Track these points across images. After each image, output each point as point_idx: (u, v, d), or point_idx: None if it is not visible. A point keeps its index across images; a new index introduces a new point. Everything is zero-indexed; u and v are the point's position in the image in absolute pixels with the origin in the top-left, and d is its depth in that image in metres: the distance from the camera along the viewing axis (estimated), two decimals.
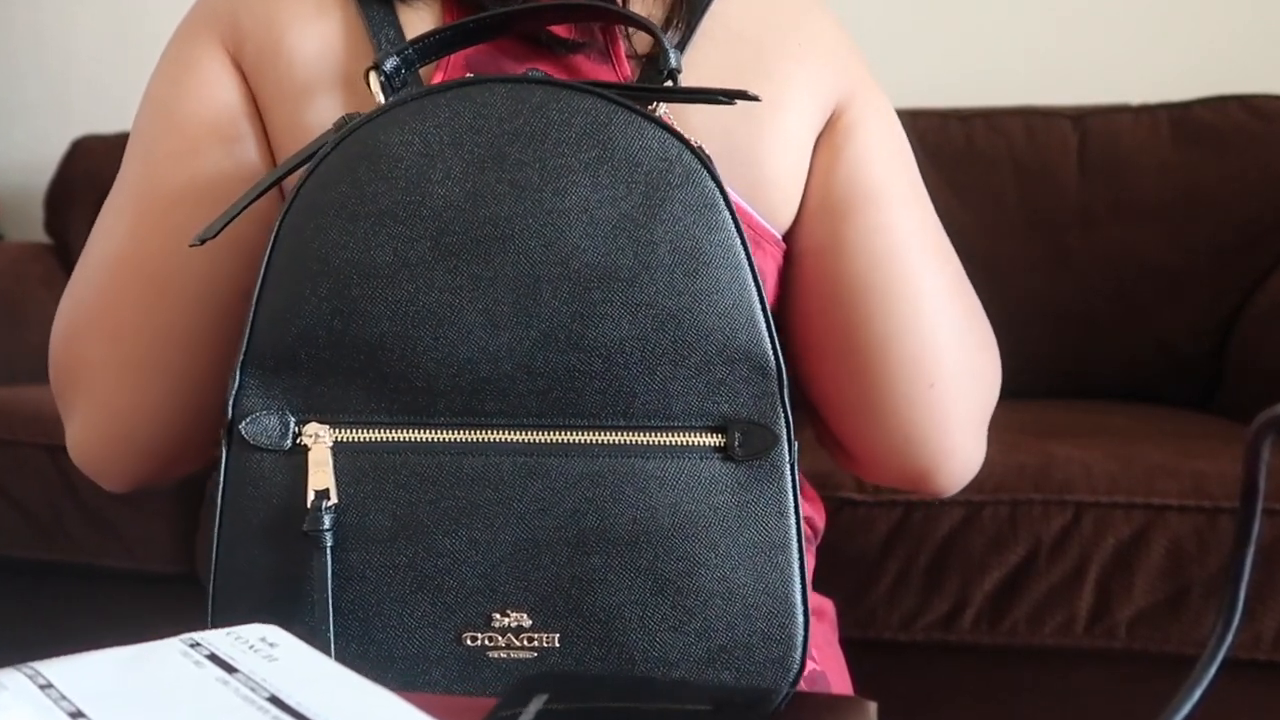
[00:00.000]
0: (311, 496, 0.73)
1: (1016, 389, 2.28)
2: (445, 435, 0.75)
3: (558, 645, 0.75)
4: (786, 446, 0.76)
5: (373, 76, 0.80)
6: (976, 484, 1.61)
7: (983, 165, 2.34)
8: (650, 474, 0.75)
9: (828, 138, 0.90)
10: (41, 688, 0.52)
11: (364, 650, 0.75)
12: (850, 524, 1.64)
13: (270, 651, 0.56)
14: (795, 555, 0.76)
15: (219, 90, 0.87)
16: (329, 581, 0.73)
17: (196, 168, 0.86)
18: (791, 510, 0.76)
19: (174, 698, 0.51)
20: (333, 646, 0.73)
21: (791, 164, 0.88)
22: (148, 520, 1.98)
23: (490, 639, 0.75)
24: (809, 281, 0.91)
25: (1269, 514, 1.49)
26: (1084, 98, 2.50)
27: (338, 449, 0.74)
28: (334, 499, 0.73)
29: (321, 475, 0.74)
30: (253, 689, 0.52)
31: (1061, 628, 1.58)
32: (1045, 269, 2.30)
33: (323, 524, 0.73)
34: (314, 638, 0.73)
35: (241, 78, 0.87)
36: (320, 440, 0.74)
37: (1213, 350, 2.25)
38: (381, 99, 0.80)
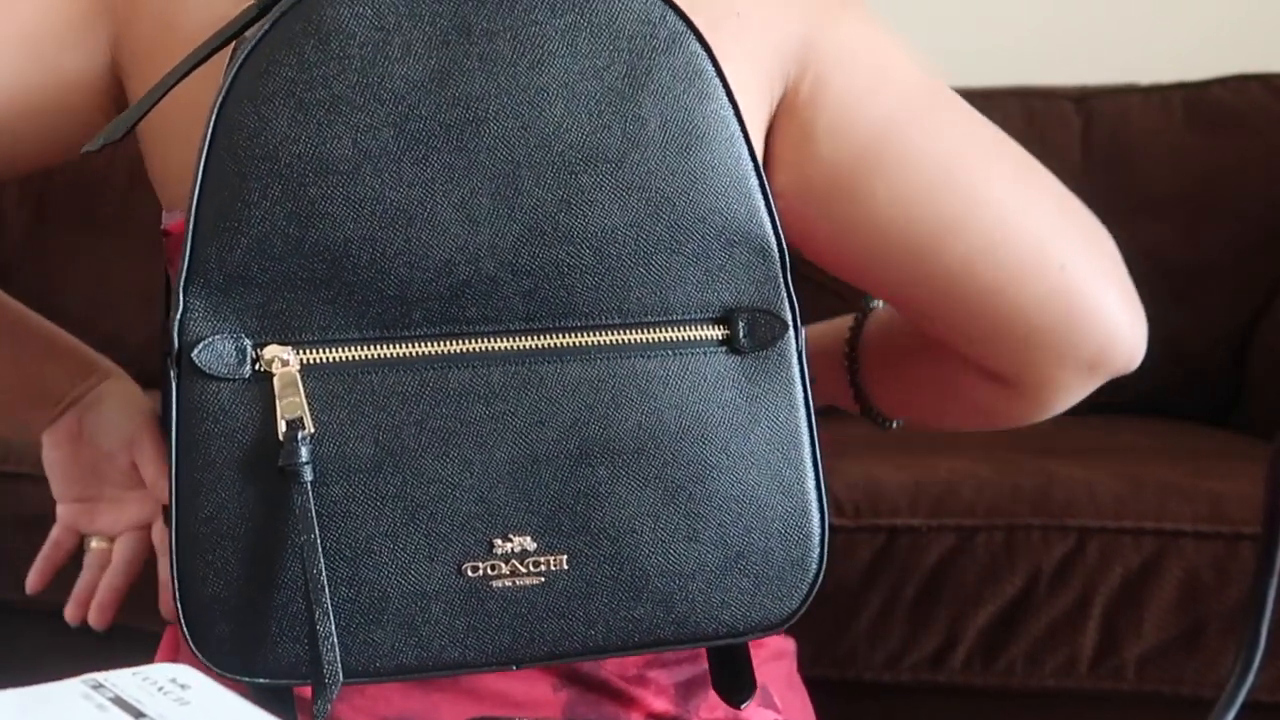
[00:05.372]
0: (283, 427, 0.73)
1: None
2: (425, 348, 0.76)
3: (566, 568, 0.76)
4: (794, 333, 0.79)
5: None
6: (967, 507, 1.62)
7: None
8: (653, 374, 0.77)
9: (788, 117, 0.91)
10: None
11: (354, 593, 0.75)
12: (828, 551, 1.64)
13: (181, 694, 0.56)
14: (808, 448, 0.79)
15: None
16: (314, 520, 0.73)
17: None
18: (802, 401, 0.79)
19: None
20: (326, 592, 0.73)
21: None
22: None
23: (493, 567, 0.76)
24: (866, 262, 0.94)
25: None
26: (1088, 77, 2.52)
27: (305, 372, 0.75)
28: (309, 428, 0.74)
29: (291, 402, 0.74)
30: None
31: (1063, 668, 1.59)
32: None
33: (300, 456, 0.73)
34: (299, 584, 0.74)
35: None
36: (285, 364, 0.74)
37: (1231, 359, 2.26)
38: None
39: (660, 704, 0.89)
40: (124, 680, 0.58)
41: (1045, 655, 1.59)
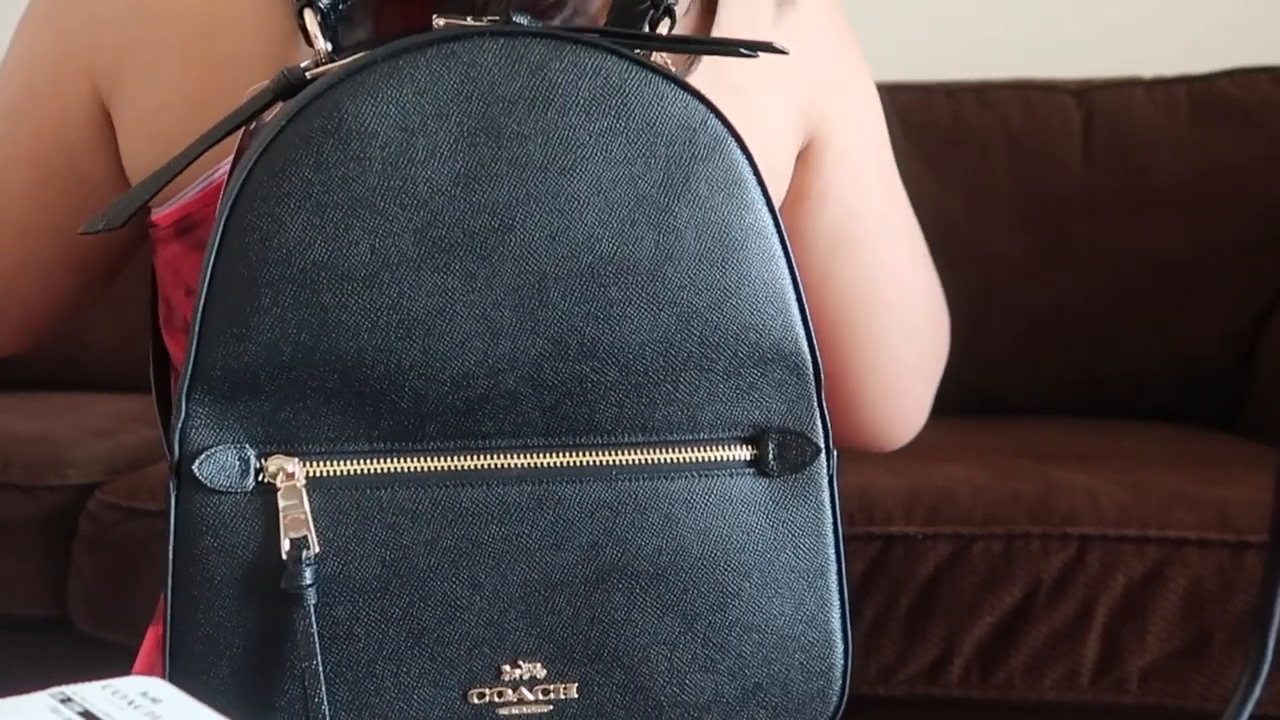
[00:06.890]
0: (287, 546, 0.72)
1: (1012, 405, 2.29)
2: (438, 463, 0.74)
3: (576, 696, 0.75)
4: (825, 456, 0.78)
5: (308, 15, 0.75)
6: (965, 514, 1.62)
7: (973, 148, 2.35)
8: (676, 496, 0.76)
9: (800, 171, 0.94)
10: None
11: (355, 719, 0.74)
12: None
13: (152, 708, 0.56)
14: (835, 579, 0.78)
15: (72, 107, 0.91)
16: (316, 645, 0.71)
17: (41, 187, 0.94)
18: (831, 529, 0.78)
19: None
20: (328, 719, 0.72)
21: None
22: (13, 558, 1.96)
23: (500, 694, 0.75)
24: None
25: None
26: (1090, 70, 2.52)
27: (311, 486, 0.73)
28: (314, 547, 0.72)
29: (296, 519, 0.72)
30: None
31: (1064, 680, 1.59)
32: (1045, 267, 2.31)
33: (304, 579, 0.71)
34: (298, 708, 0.73)
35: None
36: (290, 477, 0.73)
37: (1237, 361, 2.26)
38: (321, 44, 0.76)
39: None
40: (93, 694, 0.57)
41: (1045, 667, 1.59)
